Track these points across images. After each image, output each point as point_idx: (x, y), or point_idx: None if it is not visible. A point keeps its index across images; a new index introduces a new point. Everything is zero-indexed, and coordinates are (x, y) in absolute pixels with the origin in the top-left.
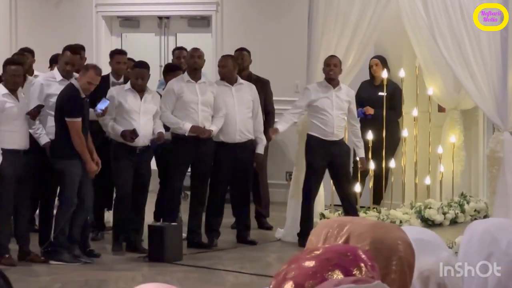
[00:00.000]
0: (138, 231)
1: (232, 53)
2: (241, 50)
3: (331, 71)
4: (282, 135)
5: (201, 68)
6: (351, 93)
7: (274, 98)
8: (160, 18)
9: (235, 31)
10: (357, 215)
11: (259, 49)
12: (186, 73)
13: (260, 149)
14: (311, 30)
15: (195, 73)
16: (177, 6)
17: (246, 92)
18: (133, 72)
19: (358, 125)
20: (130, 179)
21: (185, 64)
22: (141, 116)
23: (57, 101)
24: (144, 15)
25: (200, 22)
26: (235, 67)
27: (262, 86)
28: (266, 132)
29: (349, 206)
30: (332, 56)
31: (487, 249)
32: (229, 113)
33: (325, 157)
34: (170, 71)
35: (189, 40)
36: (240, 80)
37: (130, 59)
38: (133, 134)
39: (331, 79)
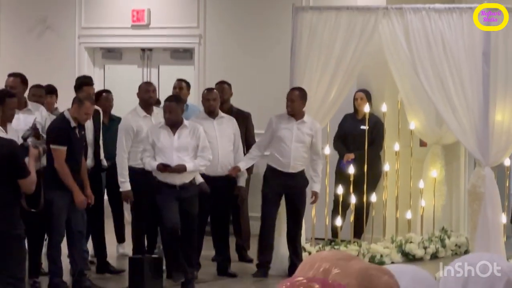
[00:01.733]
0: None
1: (214, 85)
2: (221, 83)
3: (289, 107)
4: (264, 167)
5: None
6: (316, 127)
7: (255, 131)
8: (143, 50)
9: (218, 63)
10: (297, 257)
11: (242, 82)
12: (139, 107)
13: (241, 182)
14: (293, 63)
15: (150, 108)
16: (160, 38)
17: (228, 125)
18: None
19: (320, 160)
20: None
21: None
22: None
23: (46, 131)
24: (126, 47)
25: (182, 54)
26: (219, 100)
27: (243, 119)
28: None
29: (291, 244)
30: (291, 90)
31: (465, 273)
32: (211, 146)
33: (279, 188)
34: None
35: (171, 72)
36: (221, 113)
37: (105, 90)
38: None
39: (290, 114)
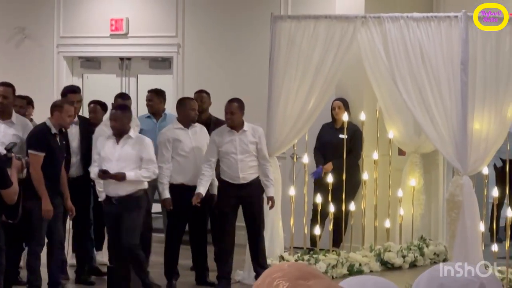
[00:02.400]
0: None
1: (193, 94)
2: (200, 92)
3: (229, 119)
4: None
5: None
6: (259, 132)
7: None
8: (122, 59)
9: (196, 72)
10: (260, 265)
11: (220, 91)
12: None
13: (214, 190)
14: (272, 72)
15: None
16: (138, 47)
17: (200, 135)
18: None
19: (268, 164)
20: None
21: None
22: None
23: (26, 137)
24: (105, 56)
25: (161, 63)
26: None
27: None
28: None
29: (252, 253)
30: (230, 103)
31: (437, 281)
32: (188, 156)
33: (233, 200)
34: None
35: (150, 81)
36: (195, 123)
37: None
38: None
39: (230, 126)
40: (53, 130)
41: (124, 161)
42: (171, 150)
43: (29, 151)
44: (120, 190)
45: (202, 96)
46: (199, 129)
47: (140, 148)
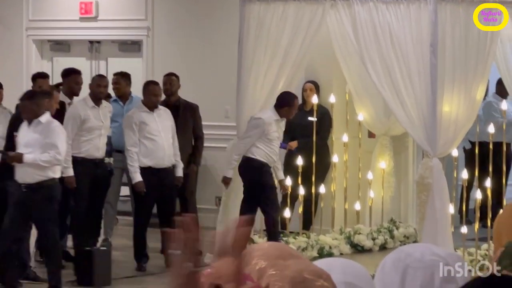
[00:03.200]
0: None
1: (162, 77)
2: (169, 75)
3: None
4: (212, 159)
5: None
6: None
7: (204, 123)
8: (91, 42)
9: (166, 55)
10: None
11: (190, 74)
12: (89, 97)
13: (180, 172)
14: (241, 55)
15: (99, 101)
16: (108, 30)
17: (165, 117)
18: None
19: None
20: None
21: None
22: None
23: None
24: (75, 39)
25: (131, 46)
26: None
27: (191, 111)
28: (195, 157)
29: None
30: (154, 85)
31: (403, 262)
32: (156, 140)
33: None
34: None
35: (120, 64)
36: (158, 106)
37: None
38: None
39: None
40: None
41: (31, 146)
42: (138, 132)
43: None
44: (27, 176)
45: (171, 79)
46: (163, 111)
47: (46, 133)
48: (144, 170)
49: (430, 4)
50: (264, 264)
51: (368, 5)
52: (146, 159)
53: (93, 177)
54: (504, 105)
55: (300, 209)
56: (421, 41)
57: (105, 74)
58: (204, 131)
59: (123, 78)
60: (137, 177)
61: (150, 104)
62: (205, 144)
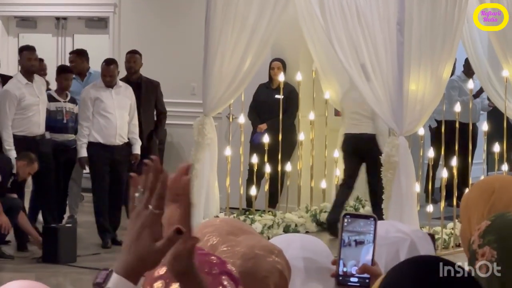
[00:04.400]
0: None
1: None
2: (132, 53)
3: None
4: (178, 137)
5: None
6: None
7: (170, 100)
8: (58, 18)
9: (133, 32)
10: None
11: (157, 51)
12: (20, 74)
13: (137, 149)
14: (208, 32)
15: (31, 75)
16: (75, 7)
17: (125, 94)
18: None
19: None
20: None
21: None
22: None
23: None
24: (41, 16)
25: (97, 23)
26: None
27: (153, 88)
28: (156, 131)
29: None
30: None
31: None
32: (109, 117)
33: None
34: (62, 72)
35: (86, 41)
36: (119, 82)
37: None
38: None
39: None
40: None
41: None
42: (92, 108)
43: None
44: None
45: (134, 57)
46: (123, 89)
47: None
48: (96, 145)
49: None
50: (215, 240)
51: None
52: (98, 134)
53: (37, 154)
54: (470, 84)
55: (266, 187)
56: (388, 19)
57: (71, 50)
58: (170, 108)
59: (78, 55)
60: (83, 153)
61: (105, 83)
62: (171, 122)
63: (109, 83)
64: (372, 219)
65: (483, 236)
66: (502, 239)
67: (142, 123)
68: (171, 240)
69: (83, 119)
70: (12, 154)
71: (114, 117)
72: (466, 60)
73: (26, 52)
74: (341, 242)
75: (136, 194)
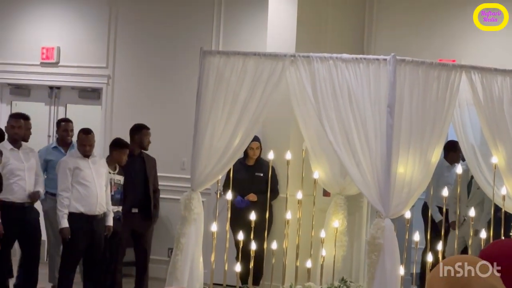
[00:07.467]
0: None
1: (121, 126)
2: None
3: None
4: (166, 211)
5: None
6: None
7: (161, 174)
8: (51, 88)
9: (125, 104)
10: None
11: (149, 124)
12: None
13: (110, 221)
14: (199, 106)
15: (17, 142)
16: (69, 77)
17: (100, 164)
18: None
19: None
20: None
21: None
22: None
23: None
24: (35, 84)
25: (90, 94)
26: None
27: (153, 164)
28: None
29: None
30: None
31: None
32: (89, 186)
33: None
34: (118, 147)
35: (79, 111)
36: (94, 153)
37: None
38: None
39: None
40: None
41: None
42: (72, 178)
43: None
44: None
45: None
46: (98, 159)
47: None
48: (76, 216)
49: (389, 64)
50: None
51: (327, 63)
52: (78, 204)
53: (21, 223)
54: (459, 169)
55: (251, 264)
56: (379, 101)
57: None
58: (161, 182)
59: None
60: (64, 223)
61: (81, 153)
62: (161, 195)
63: (88, 153)
64: None
65: None
66: None
67: (153, 194)
68: None
69: (62, 189)
70: None
71: (94, 186)
72: (448, 147)
73: (11, 119)
74: None
75: None
